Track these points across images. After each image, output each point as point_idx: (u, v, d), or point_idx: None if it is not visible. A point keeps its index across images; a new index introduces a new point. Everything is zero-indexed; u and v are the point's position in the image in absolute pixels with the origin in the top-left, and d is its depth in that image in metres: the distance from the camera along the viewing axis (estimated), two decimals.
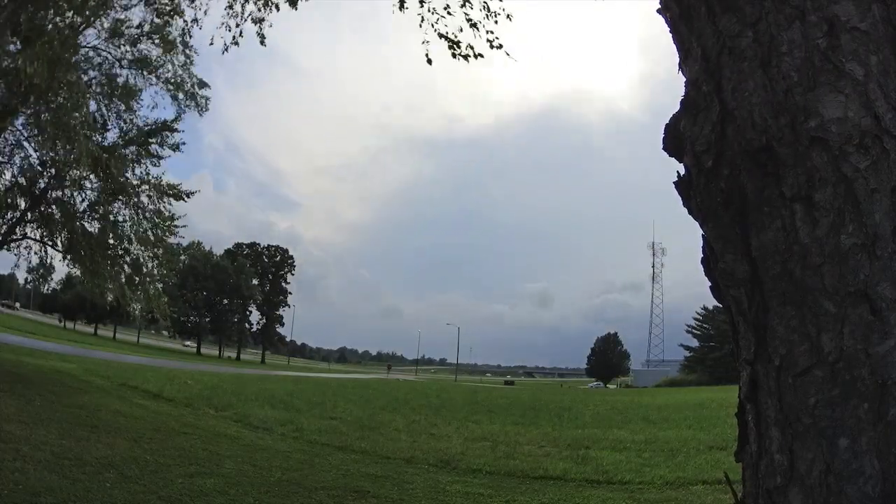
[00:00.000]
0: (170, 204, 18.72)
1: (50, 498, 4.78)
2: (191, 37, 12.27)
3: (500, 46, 6.39)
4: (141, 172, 17.87)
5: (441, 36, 6.36)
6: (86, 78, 15.41)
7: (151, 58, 15.88)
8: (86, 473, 5.67)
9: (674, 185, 1.22)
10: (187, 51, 15.67)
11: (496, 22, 6.38)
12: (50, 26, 11.81)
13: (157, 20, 13.26)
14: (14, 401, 8.91)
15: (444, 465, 8.82)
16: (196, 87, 17.01)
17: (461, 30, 6.37)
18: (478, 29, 6.35)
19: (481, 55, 6.49)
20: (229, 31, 7.29)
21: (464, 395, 32.52)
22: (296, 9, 7.29)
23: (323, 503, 5.98)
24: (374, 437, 11.20)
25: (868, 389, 0.92)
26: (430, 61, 6.33)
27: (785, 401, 1.00)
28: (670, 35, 1.29)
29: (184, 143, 18.40)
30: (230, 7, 7.24)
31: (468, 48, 6.43)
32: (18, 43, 11.47)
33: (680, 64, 1.25)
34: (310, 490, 6.37)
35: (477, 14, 6.35)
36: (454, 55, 6.43)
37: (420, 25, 6.30)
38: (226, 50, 7.31)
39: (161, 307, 19.15)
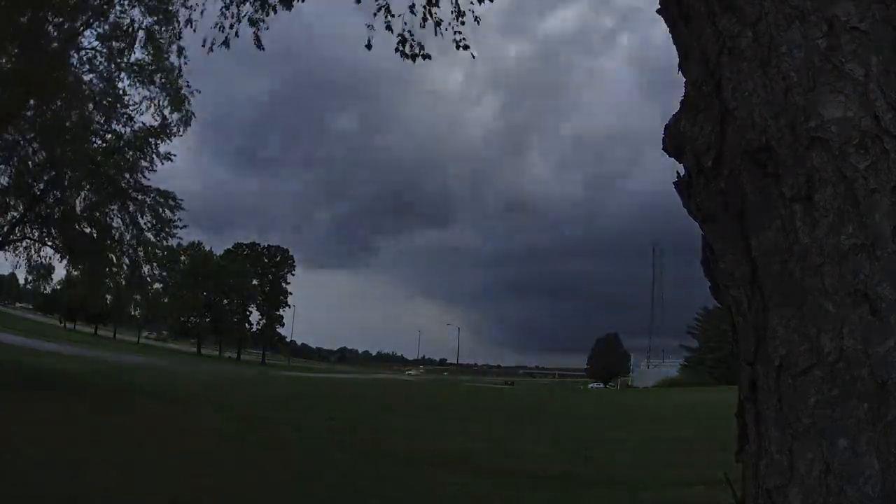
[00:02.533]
0: (167, 209, 18.74)
1: (50, 498, 4.79)
2: (181, 37, 12.11)
3: (468, 47, 6.35)
4: (136, 176, 17.84)
5: (388, 28, 6.26)
6: (85, 79, 15.40)
7: (145, 63, 15.77)
8: (86, 473, 5.67)
9: (673, 186, 1.23)
10: (179, 59, 15.46)
11: (463, 23, 6.32)
12: (49, 27, 11.79)
13: (148, 20, 13.14)
14: (14, 401, 8.91)
15: (444, 464, 8.82)
16: (186, 100, 16.78)
17: (422, 25, 6.29)
18: (440, 27, 6.27)
19: (429, 56, 6.44)
20: (222, 31, 7.15)
21: (464, 395, 32.52)
22: (290, 10, 7.20)
23: (323, 502, 5.98)
24: (375, 437, 11.21)
25: (868, 390, 0.92)
26: (369, 47, 6.27)
27: (784, 401, 1.00)
28: (670, 35, 1.30)
29: (174, 155, 18.21)
30: (226, 8, 7.13)
31: (418, 47, 6.37)
32: (17, 46, 11.46)
33: (680, 64, 1.25)
34: (310, 490, 6.38)
35: (445, 14, 6.28)
36: (399, 51, 6.36)
37: (374, 15, 6.21)
38: (210, 50, 7.16)
39: (159, 307, 19.27)
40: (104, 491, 5.22)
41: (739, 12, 1.10)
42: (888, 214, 0.95)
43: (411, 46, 6.37)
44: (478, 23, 6.38)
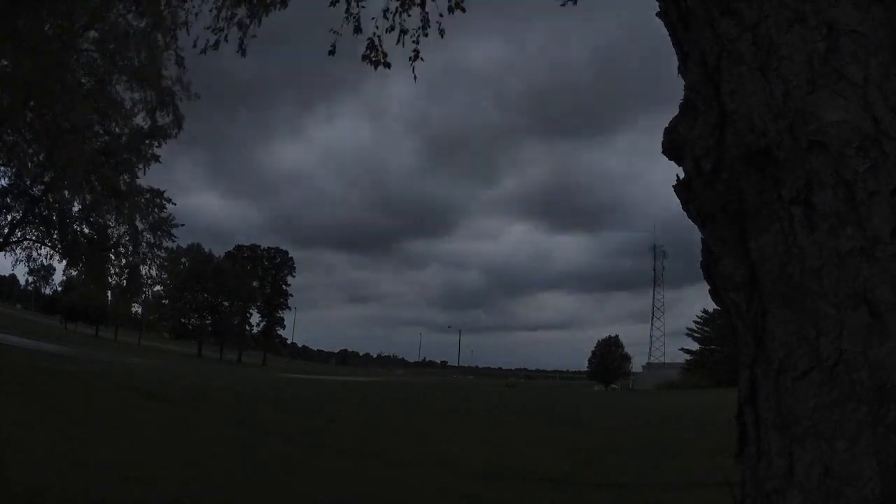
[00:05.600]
0: (164, 208, 18.77)
1: (50, 498, 4.78)
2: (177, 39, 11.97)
3: (422, 59, 6.22)
4: (131, 178, 17.84)
5: (357, 31, 6.15)
6: (83, 81, 15.41)
7: (139, 65, 15.72)
8: (86, 473, 5.66)
9: (673, 189, 1.23)
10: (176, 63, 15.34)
11: (426, 35, 6.21)
12: (47, 27, 11.79)
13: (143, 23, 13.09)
14: (14, 401, 8.90)
15: (445, 467, 8.81)
16: (184, 96, 16.68)
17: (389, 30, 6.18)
18: (405, 35, 6.17)
19: (389, 65, 6.32)
20: (215, 34, 7.04)
21: (465, 397, 32.48)
22: (266, 15, 7.05)
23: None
24: (375, 439, 11.20)
25: (867, 392, 0.92)
26: (332, 52, 6.15)
27: (784, 403, 1.00)
28: (669, 39, 1.30)
29: (158, 158, 18.10)
30: (218, 11, 7.00)
31: (381, 55, 6.27)
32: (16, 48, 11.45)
33: (679, 68, 1.25)
34: (310, 492, 6.37)
35: (413, 22, 6.18)
36: (365, 59, 6.25)
37: (345, 17, 6.08)
38: (204, 52, 7.04)
39: (155, 308, 19.42)
40: (104, 491, 5.21)
41: (739, 16, 1.10)
42: (887, 217, 0.95)
43: (377, 53, 6.25)
44: (442, 36, 6.26)
